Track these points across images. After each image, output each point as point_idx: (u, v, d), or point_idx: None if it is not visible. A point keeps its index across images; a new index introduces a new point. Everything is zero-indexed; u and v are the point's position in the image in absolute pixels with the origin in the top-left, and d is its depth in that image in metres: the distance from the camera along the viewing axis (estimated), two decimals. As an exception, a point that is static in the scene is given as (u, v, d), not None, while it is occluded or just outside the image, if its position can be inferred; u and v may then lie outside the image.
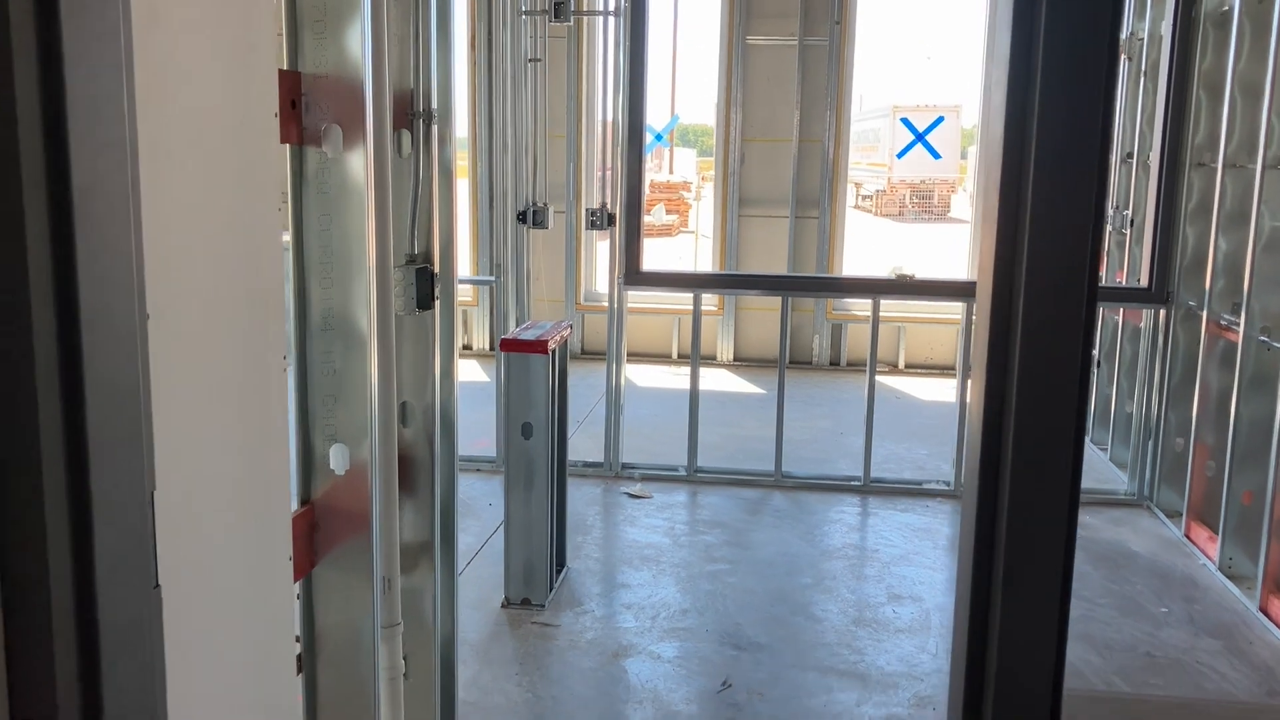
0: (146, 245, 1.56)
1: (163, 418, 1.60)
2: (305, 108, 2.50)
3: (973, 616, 1.96)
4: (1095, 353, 6.90)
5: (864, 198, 31.34)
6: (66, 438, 1.34)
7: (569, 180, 9.03)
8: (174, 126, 1.65)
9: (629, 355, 8.01)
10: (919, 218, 29.25)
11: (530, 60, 6.35)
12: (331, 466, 2.60)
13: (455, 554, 3.29)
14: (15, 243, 1.21)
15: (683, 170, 27.89)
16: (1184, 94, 5.51)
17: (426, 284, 2.91)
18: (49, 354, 1.29)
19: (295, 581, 2.45)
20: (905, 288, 6.04)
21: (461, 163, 10.40)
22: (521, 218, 6.36)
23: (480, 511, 5.60)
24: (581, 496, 5.84)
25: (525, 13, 6.26)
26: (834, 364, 9.63)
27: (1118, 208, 6.74)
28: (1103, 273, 6.77)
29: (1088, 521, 5.53)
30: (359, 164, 2.51)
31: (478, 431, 6.73)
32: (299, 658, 2.70)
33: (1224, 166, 5.11)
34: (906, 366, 9.62)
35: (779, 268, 9.43)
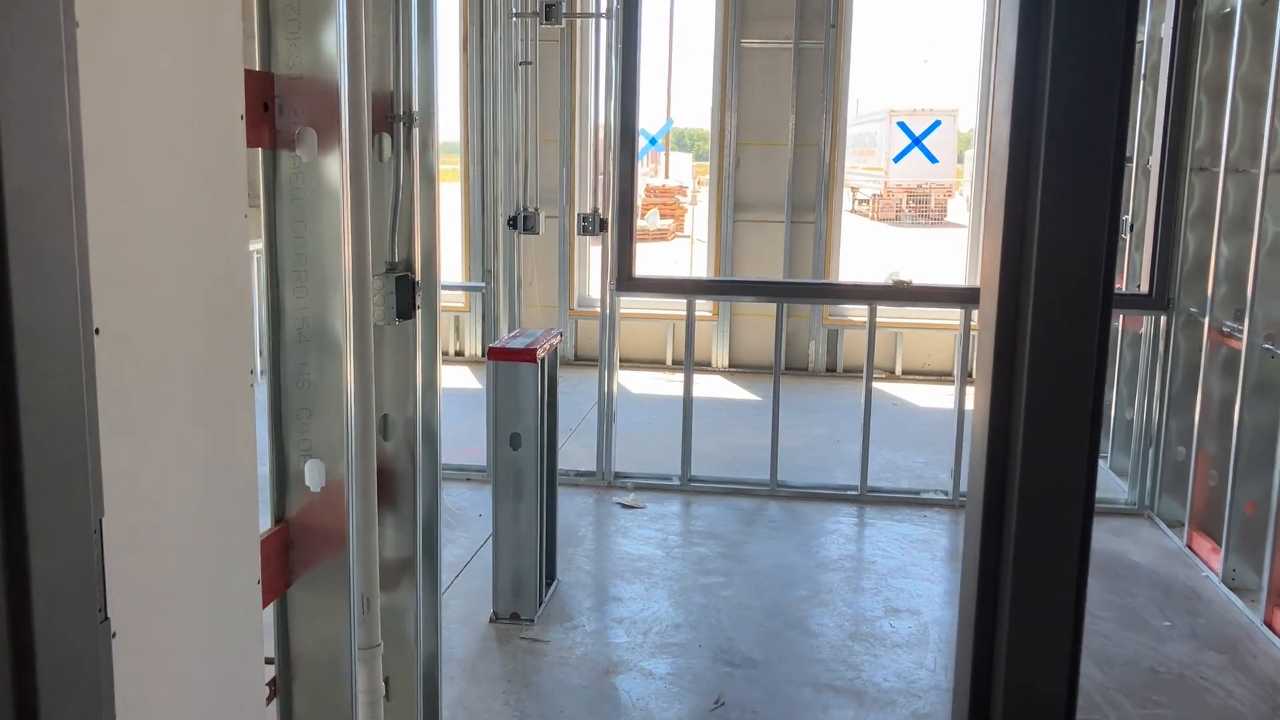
0: (94, 255, 1.46)
1: (114, 439, 1.51)
2: (278, 110, 2.41)
3: (978, 638, 1.87)
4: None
5: (860, 202, 31.29)
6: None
7: (562, 185, 8.94)
8: (127, 129, 1.55)
9: (622, 361, 7.92)
10: (916, 222, 29.19)
11: (521, 63, 6.26)
12: (306, 483, 2.50)
13: (438, 570, 3.20)
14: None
15: (678, 174, 27.83)
16: (1184, 97, 5.43)
17: (407, 292, 2.81)
18: (-22, 370, 1.20)
19: (267, 604, 2.35)
20: (903, 294, 5.94)
21: (453, 167, 10.34)
22: (512, 223, 6.26)
23: (470, 522, 5.50)
24: (573, 507, 5.74)
25: (516, 15, 6.17)
26: (830, 370, 9.54)
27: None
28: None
29: (1088, 531, 5.43)
30: (335, 168, 2.41)
31: (469, 440, 6.63)
32: (273, 682, 2.60)
33: (1226, 171, 5.02)
34: (904, 373, 9.53)
35: (775, 272, 9.34)
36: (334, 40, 2.40)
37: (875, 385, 6.17)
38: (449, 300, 9.59)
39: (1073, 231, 1.20)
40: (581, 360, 9.63)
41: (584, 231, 6.25)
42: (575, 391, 8.13)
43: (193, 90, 1.74)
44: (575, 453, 6.63)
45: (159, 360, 1.65)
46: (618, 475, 6.16)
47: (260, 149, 2.41)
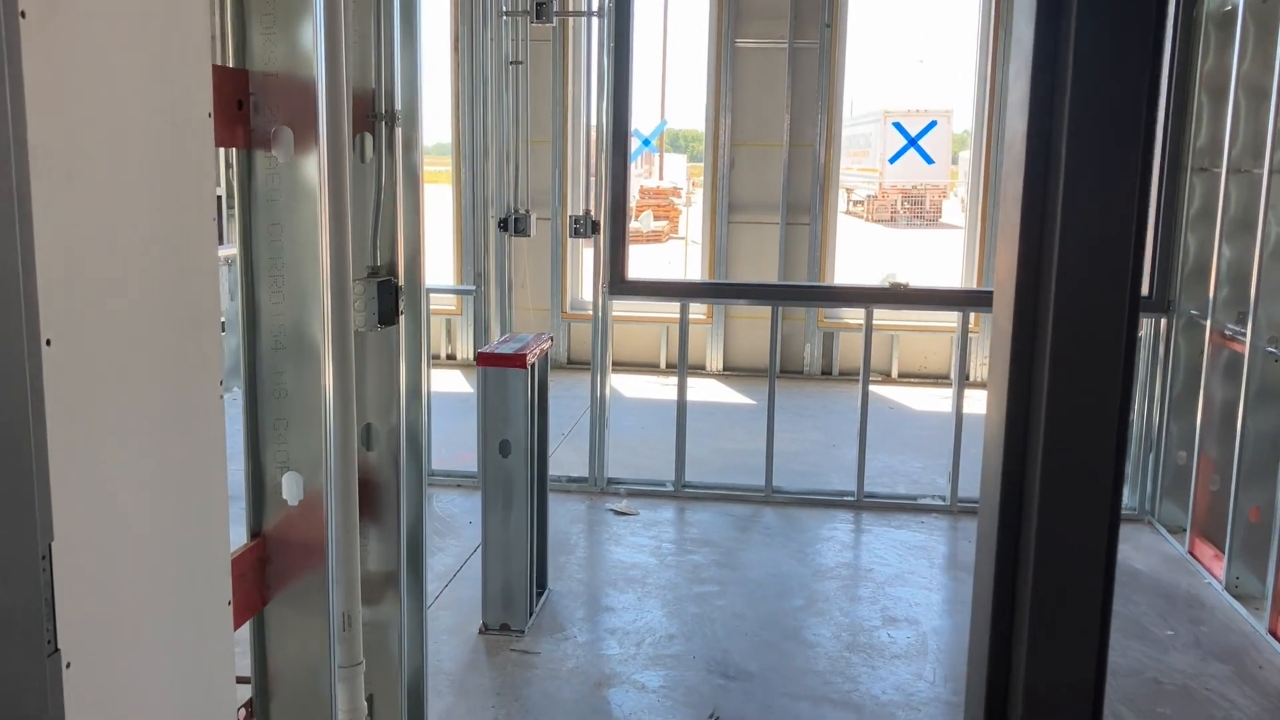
0: (42, 262, 1.37)
1: (67, 458, 1.41)
2: (253, 108, 2.31)
3: (992, 655, 1.77)
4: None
5: (855, 203, 31.22)
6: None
7: (554, 186, 8.85)
8: (80, 127, 1.46)
9: (615, 365, 7.82)
10: (910, 223, 29.13)
11: (512, 63, 6.16)
12: (284, 496, 2.40)
13: (424, 584, 3.11)
14: None
15: (672, 176, 27.73)
16: (1185, 96, 5.35)
17: (390, 297, 2.71)
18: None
19: (241, 624, 2.26)
20: (900, 297, 5.86)
21: (444, 169, 10.23)
22: (503, 225, 6.17)
23: (460, 530, 5.41)
24: (565, 513, 5.64)
25: (506, 13, 6.08)
26: (825, 373, 9.45)
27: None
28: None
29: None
30: (313, 169, 2.32)
31: (460, 445, 6.54)
32: (249, 703, 2.51)
33: (1228, 171, 4.94)
34: (900, 376, 9.44)
35: (769, 274, 9.25)
36: (311, 35, 2.30)
37: (871, 388, 6.08)
38: (440, 304, 9.49)
39: (1098, 235, 1.11)
40: (574, 364, 9.54)
41: (576, 234, 6.15)
42: (568, 395, 8.03)
43: (154, 86, 1.64)
44: (567, 458, 6.54)
45: (118, 373, 1.55)
46: (610, 481, 6.07)
47: (234, 149, 2.31)
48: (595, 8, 5.94)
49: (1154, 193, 5.52)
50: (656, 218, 23.66)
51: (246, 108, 2.31)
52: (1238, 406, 4.65)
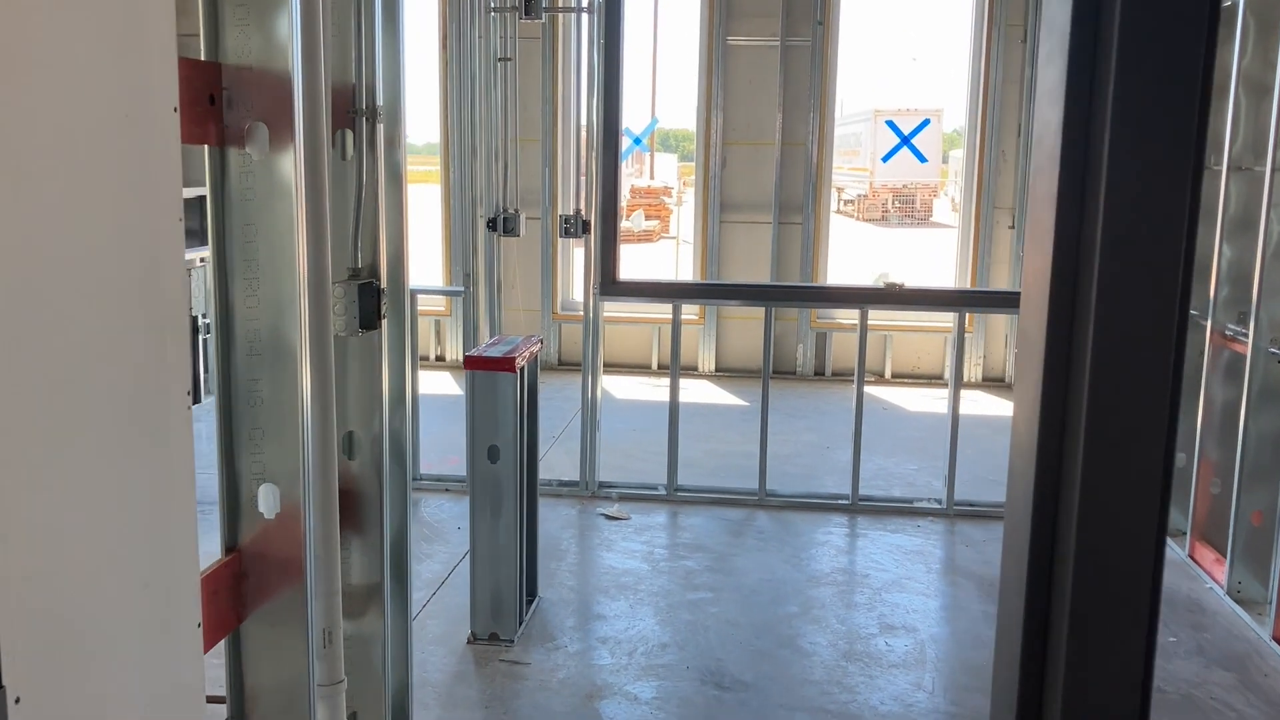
0: (-16, 266, 1.27)
1: (10, 478, 1.31)
2: (227, 103, 2.21)
3: (1023, 680, 1.67)
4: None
5: (846, 202, 31.18)
6: None
7: (544, 185, 8.75)
8: (26, 121, 1.35)
9: (607, 366, 7.72)
10: (901, 222, 29.10)
11: (501, 59, 6.06)
12: (260, 509, 2.30)
13: (409, 596, 3.00)
14: None
15: (663, 175, 27.64)
16: (1184, 93, 5.27)
17: (371, 301, 2.61)
18: None
19: (214, 645, 2.16)
20: (897, 298, 5.77)
21: (433, 168, 10.12)
22: (491, 225, 6.06)
23: (449, 535, 5.30)
24: (556, 518, 5.54)
25: (495, 9, 5.97)
26: (818, 374, 9.36)
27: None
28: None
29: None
30: (289, 166, 2.21)
31: (449, 449, 6.44)
32: (224, 725, 2.40)
33: (1229, 169, 4.86)
34: (893, 376, 9.36)
35: (762, 274, 9.16)
36: (288, 27, 2.20)
37: (865, 389, 5.99)
38: (429, 304, 9.38)
39: (1146, 239, 1.01)
40: (565, 365, 9.43)
41: (566, 234, 6.05)
42: (559, 397, 7.93)
43: (112, 79, 1.53)
44: (558, 461, 6.44)
45: (71, 385, 1.45)
46: (602, 485, 5.97)
47: (206, 146, 2.21)
48: (585, 3, 5.84)
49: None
50: (647, 217, 23.57)
51: (219, 103, 2.20)
52: (1239, 408, 4.57)
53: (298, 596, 2.37)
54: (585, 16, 5.85)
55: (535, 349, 4.30)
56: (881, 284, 5.85)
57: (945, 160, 31.16)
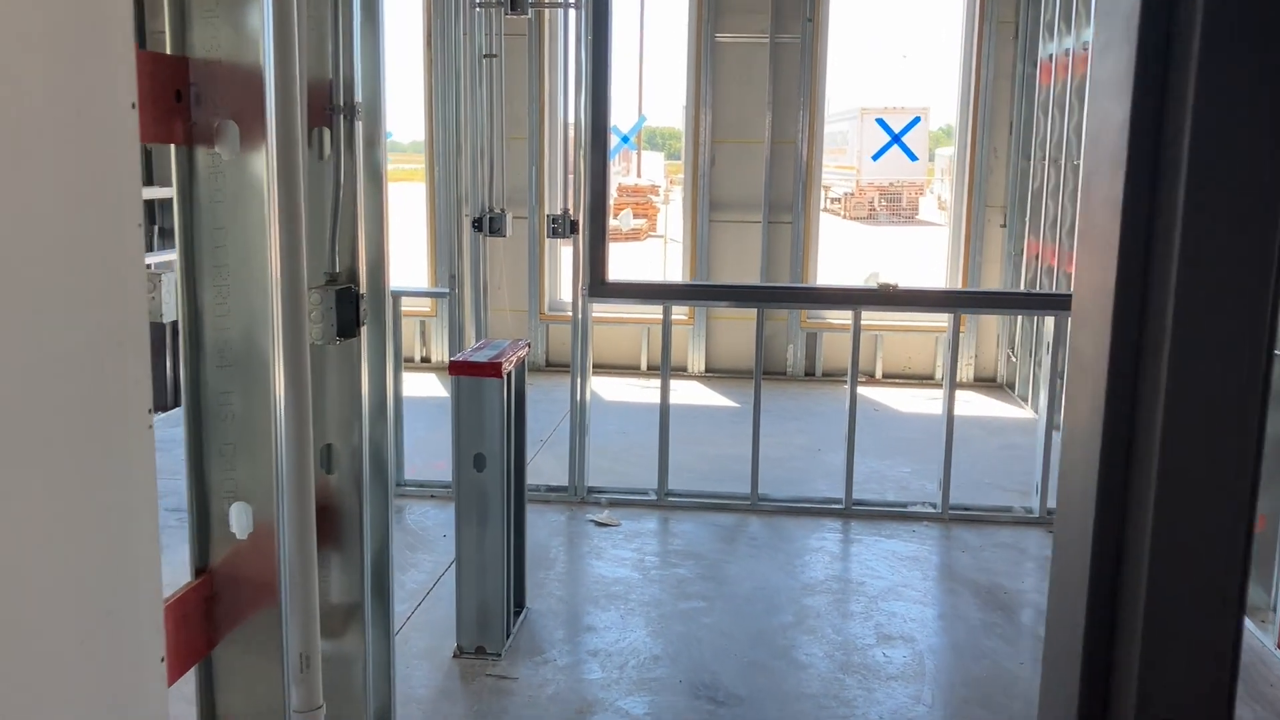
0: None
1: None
2: (194, 100, 2.08)
3: (1084, 691, 1.54)
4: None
5: (833, 200, 31.14)
6: None
7: (531, 185, 8.63)
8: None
9: (596, 367, 7.61)
10: (888, 220, 29.07)
11: (485, 56, 5.93)
12: (232, 528, 2.18)
13: (391, 614, 2.88)
14: None
15: (650, 174, 27.52)
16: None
17: (350, 307, 2.49)
18: None
19: (180, 675, 2.03)
20: (891, 298, 5.66)
21: (418, 167, 9.97)
22: (477, 225, 5.93)
23: (434, 543, 5.18)
24: (544, 525, 5.42)
25: (479, 4, 5.84)
26: (809, 374, 9.26)
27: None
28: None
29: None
30: (261, 166, 2.09)
31: (435, 454, 6.31)
32: (195, 757, 2.28)
33: (1228, 167, 4.78)
34: (884, 377, 9.27)
35: (751, 274, 9.05)
36: (259, 19, 2.07)
37: (857, 390, 5.88)
38: (414, 305, 9.24)
39: (1232, 255, 0.91)
40: (553, 366, 9.31)
41: (554, 233, 5.92)
42: (547, 400, 7.81)
43: (60, 73, 1.41)
44: (546, 466, 6.32)
45: (17, 404, 1.33)
46: (591, 490, 5.85)
47: (172, 145, 2.08)
48: (572, -1, 5.72)
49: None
50: (635, 216, 23.45)
51: (186, 99, 2.08)
52: (1241, 411, 4.48)
53: (273, 620, 2.25)
54: (572, 12, 5.73)
55: (522, 353, 4.18)
56: (873, 283, 5.74)
57: (931, 158, 31.15)
